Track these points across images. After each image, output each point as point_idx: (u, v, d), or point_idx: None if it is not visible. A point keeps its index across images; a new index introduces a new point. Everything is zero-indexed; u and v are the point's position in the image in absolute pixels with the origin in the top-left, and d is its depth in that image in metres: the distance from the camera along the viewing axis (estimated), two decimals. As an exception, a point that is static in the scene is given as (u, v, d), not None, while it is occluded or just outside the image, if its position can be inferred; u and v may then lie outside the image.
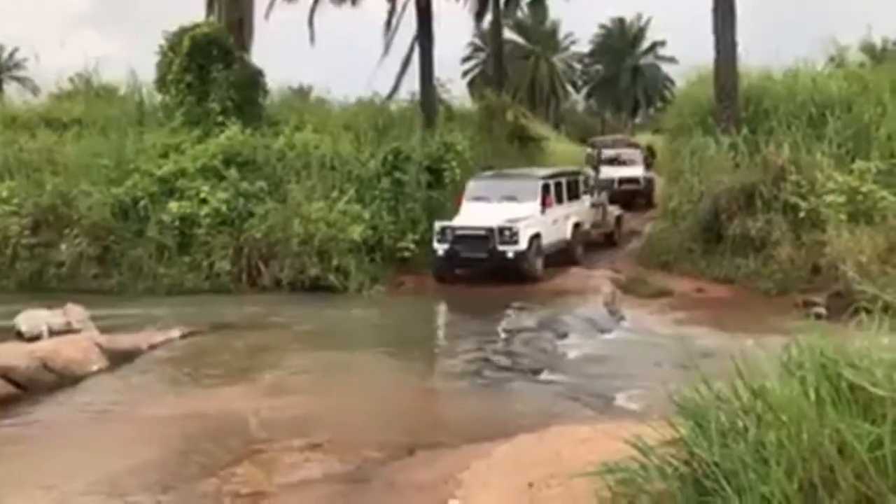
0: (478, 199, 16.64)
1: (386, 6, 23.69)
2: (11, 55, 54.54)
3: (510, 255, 15.30)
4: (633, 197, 24.00)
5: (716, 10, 16.86)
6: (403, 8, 22.86)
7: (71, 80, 25.57)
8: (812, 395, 4.21)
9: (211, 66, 20.25)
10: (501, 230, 15.36)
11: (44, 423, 8.26)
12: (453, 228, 15.86)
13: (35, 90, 37.74)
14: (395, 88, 23.10)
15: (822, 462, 3.92)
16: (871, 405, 4.01)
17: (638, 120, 57.34)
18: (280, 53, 25.14)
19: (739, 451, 4.16)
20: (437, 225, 16.09)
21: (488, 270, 15.68)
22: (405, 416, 8.32)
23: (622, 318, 13.25)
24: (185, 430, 7.88)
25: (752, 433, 4.19)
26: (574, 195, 17.97)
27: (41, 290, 16.19)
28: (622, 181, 24.47)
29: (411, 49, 21.98)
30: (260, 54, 23.41)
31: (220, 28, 21.40)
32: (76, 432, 7.94)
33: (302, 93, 34.22)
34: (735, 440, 4.24)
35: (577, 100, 62.69)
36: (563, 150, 33.22)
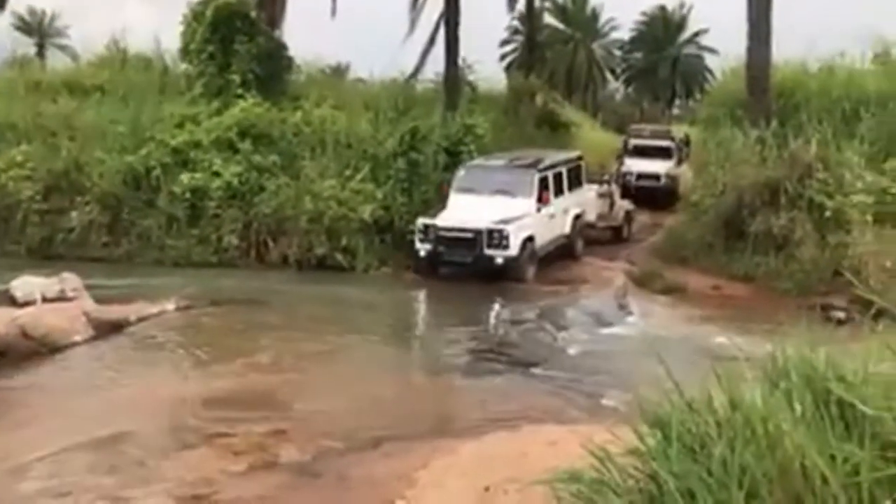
0: (467, 190, 15.08)
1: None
2: (51, 22, 54.84)
3: (499, 260, 13.85)
4: (651, 195, 21.57)
5: (750, -1, 16.13)
6: (431, -16, 22.35)
7: (108, 47, 25.54)
8: (798, 410, 3.81)
9: (234, 37, 19.93)
10: (490, 233, 13.91)
11: (9, 394, 8.06)
12: (437, 228, 14.38)
13: (75, 57, 37.99)
14: (419, 68, 22.60)
15: (787, 487, 3.51)
16: (860, 425, 3.58)
17: (676, 111, 56.20)
18: (310, 31, 24.78)
19: (697, 469, 3.75)
20: (419, 222, 14.71)
21: (475, 274, 14.18)
22: (382, 405, 7.97)
23: (630, 312, 12.78)
24: (153, 409, 7.65)
25: (719, 449, 3.77)
26: (576, 183, 16.62)
27: (50, 256, 16.04)
28: (640, 176, 22.44)
29: (436, 28, 21.44)
30: (292, 32, 23.04)
31: (244, 0, 21.08)
32: (39, 405, 7.74)
33: (339, 72, 33.94)
34: (706, 455, 3.84)
35: (617, 88, 61.66)
36: (597, 138, 32.54)
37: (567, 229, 15.98)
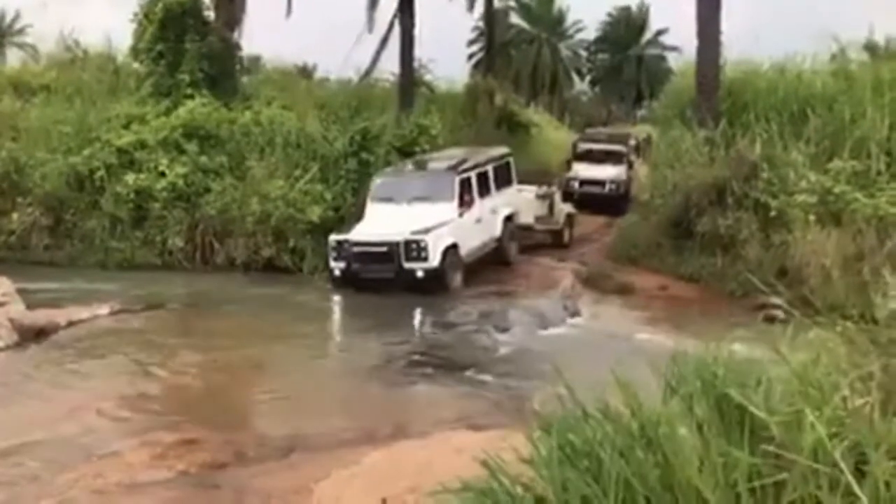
0: (384, 199, 14.06)
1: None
2: (12, 23, 53.97)
3: (419, 273, 12.78)
4: (595, 202, 20.87)
5: (699, -3, 16.09)
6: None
7: (58, 46, 25.08)
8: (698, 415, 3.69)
9: (185, 36, 19.64)
10: (408, 244, 12.82)
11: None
12: (351, 243, 13.27)
13: (36, 57, 37.35)
14: (372, 67, 22.35)
15: (677, 497, 3.39)
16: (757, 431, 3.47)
17: (642, 111, 56.33)
18: (284, 33, 24.45)
19: (577, 478, 3.62)
20: (332, 238, 13.60)
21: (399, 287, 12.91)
22: (304, 413, 7.77)
23: (575, 313, 12.67)
24: (64, 418, 7.39)
25: (607, 459, 3.63)
26: (504, 182, 15.52)
27: (-11, 259, 15.68)
28: (584, 182, 21.69)
29: (390, 28, 21.22)
30: (262, 33, 22.63)
31: (196, -1, 20.74)
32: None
33: (306, 73, 33.61)
34: (596, 463, 3.71)
35: (585, 90, 61.68)
36: (560, 139, 32.57)
37: (497, 232, 14.93)
